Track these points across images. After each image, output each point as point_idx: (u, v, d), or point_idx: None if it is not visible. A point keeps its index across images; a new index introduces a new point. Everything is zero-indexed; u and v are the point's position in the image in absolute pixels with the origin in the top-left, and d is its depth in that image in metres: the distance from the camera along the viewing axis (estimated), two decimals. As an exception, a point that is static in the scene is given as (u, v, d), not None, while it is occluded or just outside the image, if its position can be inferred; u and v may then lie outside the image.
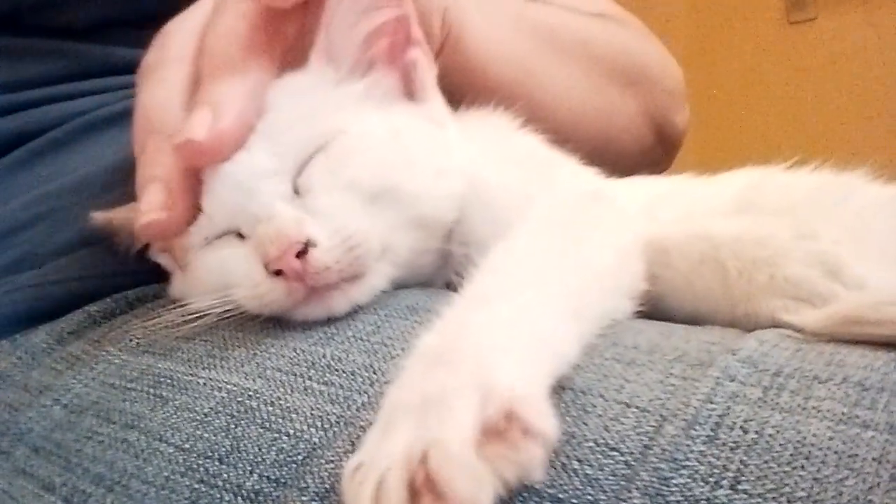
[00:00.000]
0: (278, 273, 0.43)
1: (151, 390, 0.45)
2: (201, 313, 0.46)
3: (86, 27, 0.64)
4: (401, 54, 0.52)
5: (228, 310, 0.45)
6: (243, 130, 0.46)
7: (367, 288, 0.46)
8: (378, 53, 0.51)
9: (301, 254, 0.43)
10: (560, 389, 0.37)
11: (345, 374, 0.41)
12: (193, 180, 0.46)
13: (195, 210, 0.47)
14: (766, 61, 2.56)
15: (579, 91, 0.74)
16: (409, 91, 0.52)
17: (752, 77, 2.56)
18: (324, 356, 0.42)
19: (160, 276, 0.54)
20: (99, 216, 0.54)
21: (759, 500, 0.31)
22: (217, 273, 0.46)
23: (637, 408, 0.35)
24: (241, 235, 0.46)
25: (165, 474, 0.40)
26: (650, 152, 0.83)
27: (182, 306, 0.47)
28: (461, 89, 0.58)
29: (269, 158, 0.46)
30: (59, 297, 0.56)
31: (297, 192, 0.46)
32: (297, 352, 0.43)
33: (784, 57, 2.54)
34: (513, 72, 0.66)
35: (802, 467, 0.31)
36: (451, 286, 0.49)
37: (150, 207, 0.45)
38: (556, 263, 0.41)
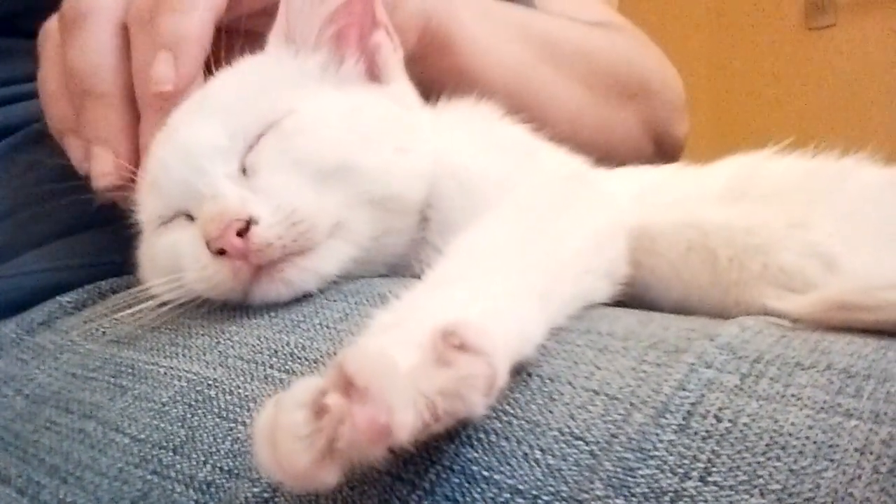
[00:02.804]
0: (221, 252, 0.42)
1: (112, 380, 0.43)
2: (160, 300, 0.45)
3: None
4: (365, 38, 0.51)
5: (182, 294, 0.44)
6: (201, 67, 0.47)
7: (321, 259, 0.44)
8: (340, 35, 0.50)
9: (243, 232, 0.41)
10: (527, 376, 0.35)
11: (307, 362, 0.39)
12: (134, 136, 0.49)
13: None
14: (786, 68, 2.52)
15: (578, 101, 0.73)
16: (374, 74, 0.51)
17: (771, 83, 2.53)
18: (287, 344, 0.41)
19: (134, 267, 0.52)
20: None
21: (730, 492, 0.29)
22: (168, 256, 0.45)
23: (606, 395, 0.33)
24: (191, 217, 0.45)
25: (119, 465, 0.39)
26: (649, 163, 0.82)
27: (140, 291, 0.46)
28: (457, 94, 0.57)
29: (221, 136, 0.45)
30: (33, 289, 0.55)
31: (244, 171, 0.45)
32: (261, 340, 0.41)
33: (803, 63, 2.50)
34: (511, 80, 0.65)
35: (778, 458, 0.29)
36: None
37: (103, 172, 0.49)
38: (526, 244, 0.39)
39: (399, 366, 0.27)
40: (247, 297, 0.43)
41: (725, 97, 2.53)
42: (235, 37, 0.50)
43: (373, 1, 0.50)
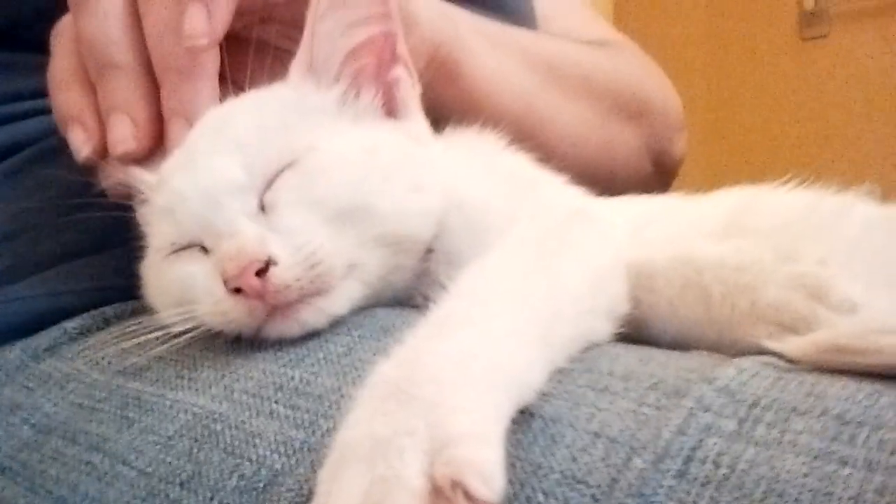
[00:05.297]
0: (238, 291, 0.42)
1: (118, 411, 0.44)
2: (173, 331, 0.45)
3: None
4: (384, 72, 0.51)
5: (195, 326, 0.44)
6: (229, 22, 0.47)
7: (335, 301, 0.44)
8: (362, 69, 0.50)
9: (261, 272, 0.42)
10: (530, 417, 0.35)
11: (312, 398, 0.40)
12: (154, 104, 0.48)
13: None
14: (780, 78, 2.53)
15: (581, 124, 0.74)
16: (391, 109, 0.51)
17: (765, 94, 2.54)
18: (292, 378, 0.41)
19: (139, 292, 0.53)
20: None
21: (729, 539, 0.29)
22: (180, 286, 0.45)
23: (607, 438, 0.34)
24: (205, 249, 0.45)
25: (126, 499, 0.39)
26: (648, 181, 0.83)
27: (151, 319, 0.46)
28: (463, 121, 0.57)
29: (239, 172, 0.45)
30: (37, 313, 0.55)
31: (263, 208, 0.45)
32: (266, 374, 0.42)
33: (797, 73, 2.51)
34: (516, 106, 0.66)
35: None
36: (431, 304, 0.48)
37: (122, 138, 0.48)
38: (527, 285, 0.39)
39: None
40: (259, 332, 0.44)
41: (720, 107, 2.54)
42: (245, 46, 0.50)
43: (395, 36, 0.50)
